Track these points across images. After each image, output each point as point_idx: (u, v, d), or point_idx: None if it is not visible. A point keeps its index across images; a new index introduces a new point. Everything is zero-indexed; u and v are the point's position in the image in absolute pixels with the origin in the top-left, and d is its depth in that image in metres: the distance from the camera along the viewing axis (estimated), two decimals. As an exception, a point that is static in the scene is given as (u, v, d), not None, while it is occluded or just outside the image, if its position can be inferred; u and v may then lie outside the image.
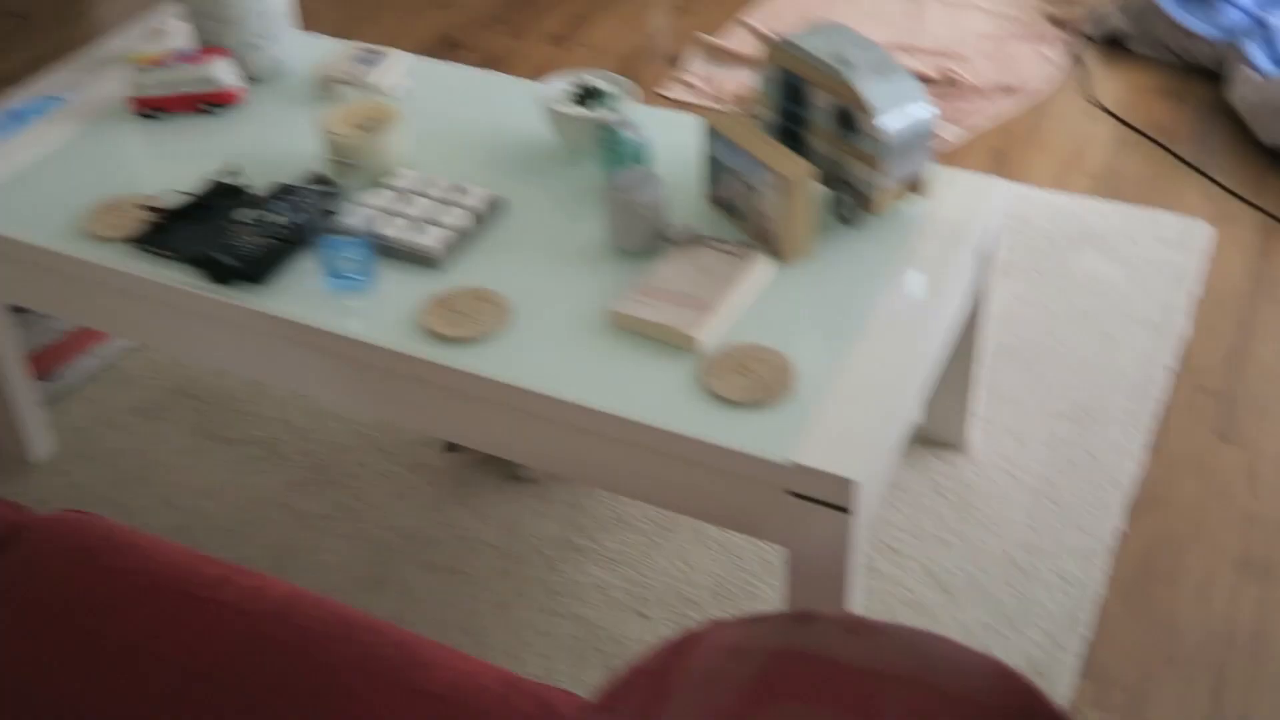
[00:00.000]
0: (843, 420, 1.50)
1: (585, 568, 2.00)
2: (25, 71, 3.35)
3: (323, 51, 2.27)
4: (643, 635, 1.89)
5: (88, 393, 2.37)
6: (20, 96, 3.23)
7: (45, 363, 2.30)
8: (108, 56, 3.37)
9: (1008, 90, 3.01)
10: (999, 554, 1.98)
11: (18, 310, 2.19)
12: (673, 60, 3.24)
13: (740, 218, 1.78)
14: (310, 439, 2.25)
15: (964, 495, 2.07)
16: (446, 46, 3.32)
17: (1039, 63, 3.11)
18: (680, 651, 0.89)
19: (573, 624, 1.92)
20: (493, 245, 1.81)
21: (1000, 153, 2.85)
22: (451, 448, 2.19)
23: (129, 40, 3.43)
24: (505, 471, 2.15)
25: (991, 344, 2.35)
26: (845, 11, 3.38)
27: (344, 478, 2.18)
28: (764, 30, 3.29)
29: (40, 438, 2.22)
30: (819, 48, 1.70)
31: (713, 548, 2.02)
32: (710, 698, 0.80)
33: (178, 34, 3.15)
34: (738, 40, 3.26)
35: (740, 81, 3.10)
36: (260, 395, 2.34)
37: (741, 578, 1.97)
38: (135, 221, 1.86)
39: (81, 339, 2.36)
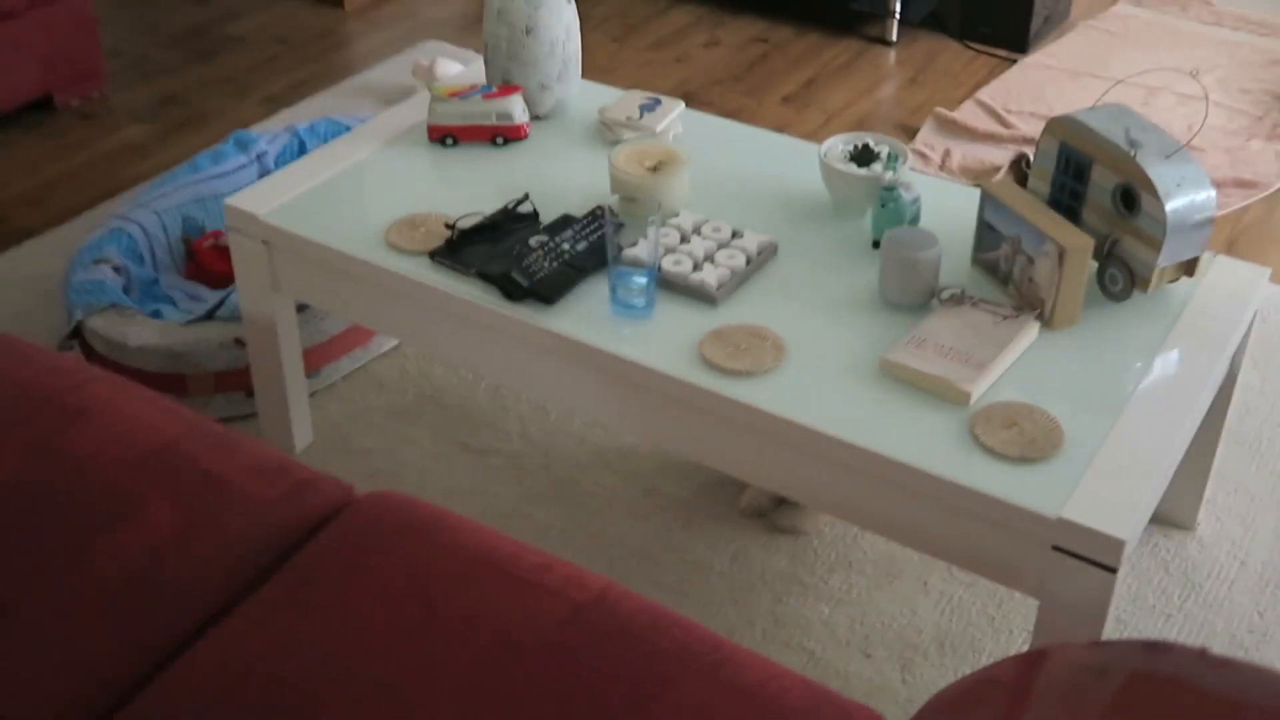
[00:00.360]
0: (1109, 483, 1.56)
1: (811, 604, 2.08)
2: (288, 93, 3.59)
3: (595, 95, 2.42)
4: (868, 673, 1.96)
5: (342, 392, 2.54)
6: (293, 116, 3.46)
7: (309, 360, 2.48)
8: (369, 86, 3.60)
9: (1241, 184, 3.03)
10: (1223, 634, 2.00)
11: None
12: (905, 130, 3.33)
13: (1006, 282, 1.86)
14: (550, 455, 2.38)
15: (1189, 574, 2.10)
16: (684, 100, 3.46)
17: (1274, 160, 3.13)
18: (1031, 666, 0.97)
19: (798, 656, 2.00)
20: (765, 287, 1.91)
21: (1232, 244, 2.87)
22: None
23: (389, 72, 3.66)
24: (752, 508, 2.23)
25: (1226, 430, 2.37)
26: (1076, 95, 3.43)
27: (580, 495, 2.30)
28: (996, 106, 3.36)
29: (303, 429, 2.38)
30: (1108, 128, 1.77)
31: (935, 597, 2.08)
32: (1074, 709, 0.88)
33: (443, 70, 3.35)
34: (970, 115, 3.34)
35: (971, 155, 3.18)
36: (503, 411, 2.48)
37: (965, 629, 2.03)
38: (433, 237, 2.02)
39: (343, 341, 2.53)
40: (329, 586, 1.36)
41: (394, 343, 2.63)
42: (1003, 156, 3.17)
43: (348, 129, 2.96)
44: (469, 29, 3.94)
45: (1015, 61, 3.64)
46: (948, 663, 1.98)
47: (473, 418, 2.47)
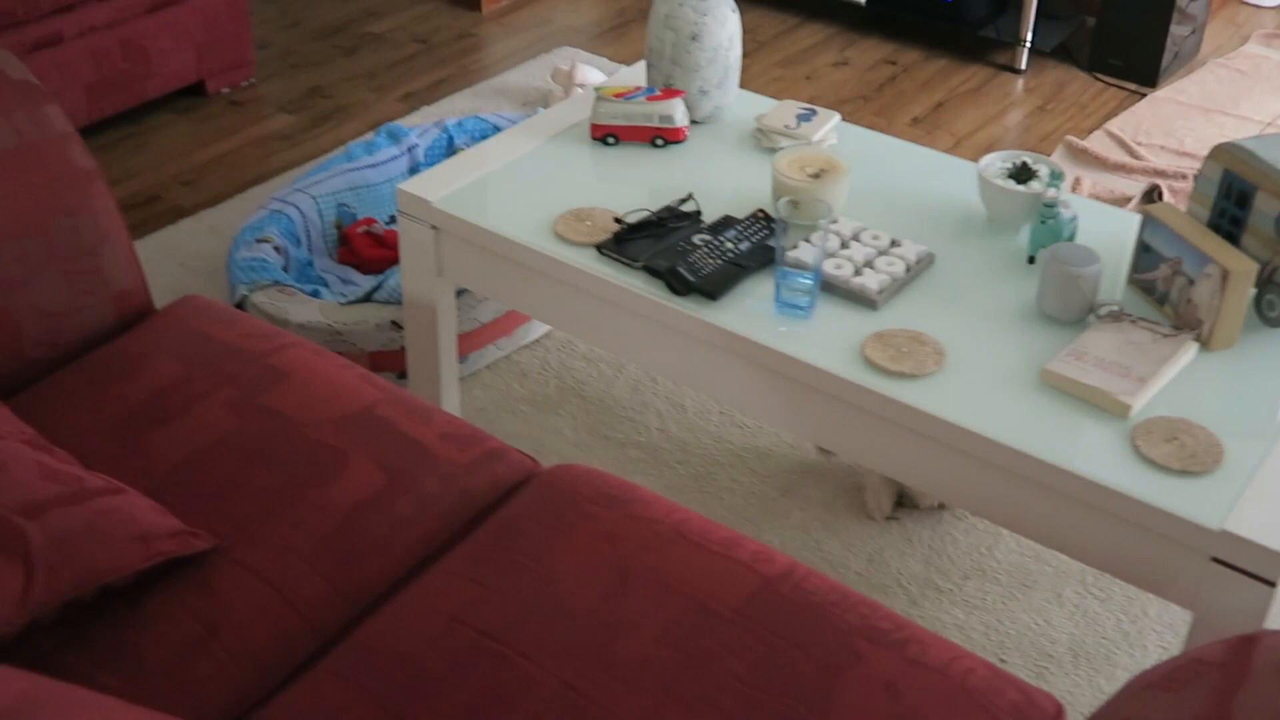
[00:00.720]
0: (1270, 500, 1.60)
1: (946, 608, 2.13)
2: (428, 91, 3.70)
3: (751, 103, 2.49)
4: (1002, 679, 2.01)
5: (487, 379, 2.63)
6: (434, 113, 3.56)
7: (458, 347, 2.56)
8: (505, 88, 3.71)
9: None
10: (1358, 666, 2.03)
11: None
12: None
13: (1163, 301, 1.90)
14: (688, 450, 2.44)
15: (1325, 604, 2.12)
16: (813, 115, 3.53)
17: None
18: (1243, 649, 1.02)
19: (933, 658, 2.05)
20: (923, 295, 1.97)
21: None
22: (824, 451, 2.36)
23: (524, 75, 3.76)
24: (879, 509, 2.29)
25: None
26: (1207, 131, 3.45)
27: (718, 491, 2.36)
28: (1126, 138, 3.39)
29: (454, 411, 2.47)
30: (1275, 156, 1.81)
31: (1069, 609, 2.12)
32: (1293, 683, 0.93)
33: (583, 75, 3.44)
34: (1100, 145, 3.37)
35: (1101, 184, 3.21)
36: (642, 405, 2.55)
37: (1099, 642, 2.06)
38: (598, 230, 2.10)
39: (491, 330, 2.62)
40: (527, 547, 1.43)
41: (538, 334, 2.72)
42: (1133, 187, 3.20)
43: (496, 128, 3.06)
44: (601, 37, 4.03)
45: (1144, 95, 3.67)
46: (1082, 674, 2.02)
47: (612, 410, 2.55)
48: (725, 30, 2.33)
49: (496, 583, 1.39)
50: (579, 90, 3.41)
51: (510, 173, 2.28)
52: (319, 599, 1.43)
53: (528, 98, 3.62)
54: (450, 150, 3.03)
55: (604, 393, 2.59)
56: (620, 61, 3.83)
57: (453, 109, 3.58)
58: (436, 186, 2.23)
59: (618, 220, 2.10)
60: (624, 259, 2.03)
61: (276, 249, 2.66)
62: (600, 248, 2.06)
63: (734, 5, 2.34)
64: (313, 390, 1.65)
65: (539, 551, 1.43)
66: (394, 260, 2.75)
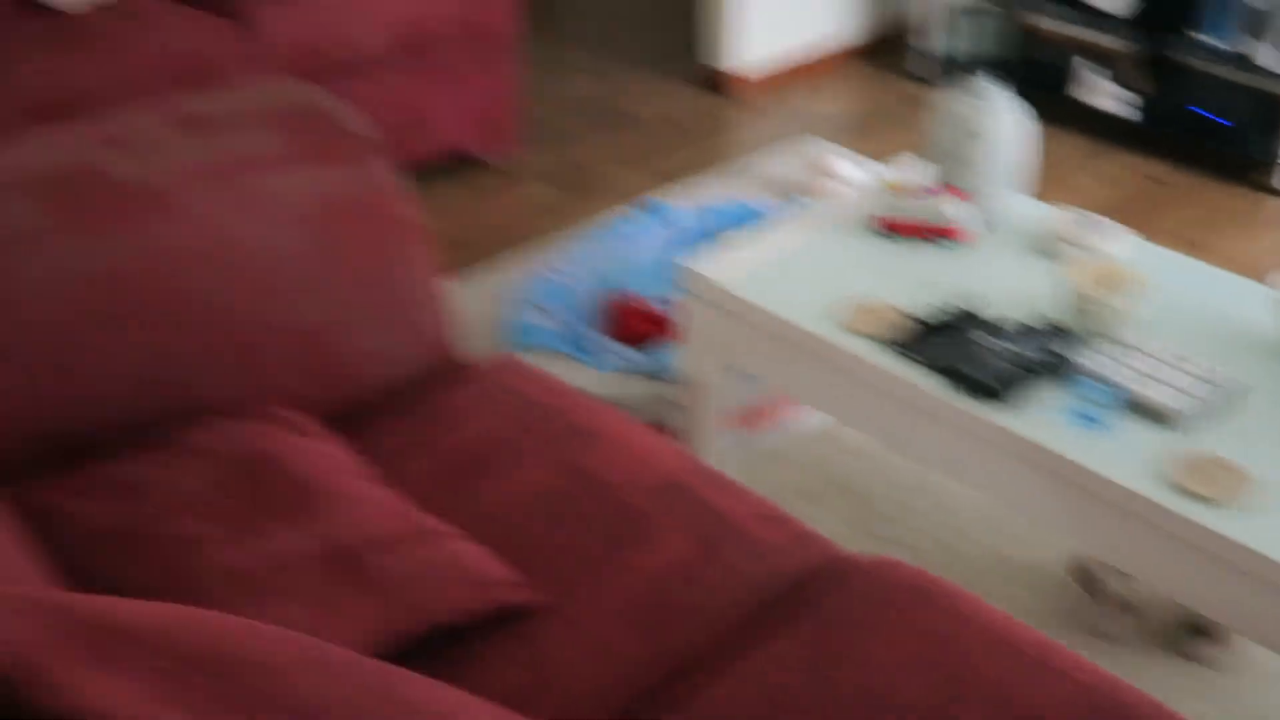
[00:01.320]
0: None
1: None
2: (678, 170, 3.79)
3: (1031, 208, 2.48)
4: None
5: (748, 464, 2.64)
6: (683, 193, 3.64)
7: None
8: (754, 172, 3.77)
9: None
10: None
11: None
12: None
13: None
14: (955, 556, 2.41)
15: None
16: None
17: None
18: None
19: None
20: (1225, 419, 1.92)
21: None
22: (1086, 588, 2.31)
23: (774, 161, 3.83)
24: (1178, 648, 2.22)
25: None
26: None
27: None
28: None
29: (706, 489, 2.50)
30: None
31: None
32: None
33: (838, 168, 3.48)
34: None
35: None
36: (908, 506, 2.53)
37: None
38: (885, 324, 2.11)
39: (754, 417, 2.64)
40: (850, 638, 1.45)
41: (804, 423, 2.72)
42: None
43: (755, 213, 3.11)
44: (849, 130, 4.08)
45: None
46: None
47: (876, 508, 2.53)
48: (1008, 131, 2.32)
49: (822, 669, 1.40)
50: (832, 182, 3.44)
51: (793, 260, 2.31)
52: (636, 660, 1.45)
53: (774, 184, 3.67)
54: (709, 231, 3.09)
55: (869, 489, 2.58)
56: (868, 155, 3.86)
57: (702, 190, 3.65)
58: (719, 266, 2.27)
59: (915, 320, 2.11)
60: (918, 357, 2.04)
61: (551, 316, 2.74)
62: (897, 345, 2.07)
63: (1018, 107, 2.34)
64: (626, 455, 1.70)
65: (862, 645, 1.43)
66: (659, 335, 2.81)
